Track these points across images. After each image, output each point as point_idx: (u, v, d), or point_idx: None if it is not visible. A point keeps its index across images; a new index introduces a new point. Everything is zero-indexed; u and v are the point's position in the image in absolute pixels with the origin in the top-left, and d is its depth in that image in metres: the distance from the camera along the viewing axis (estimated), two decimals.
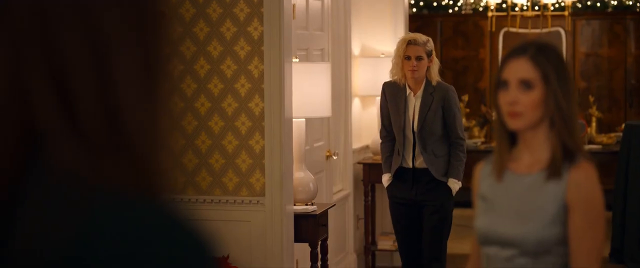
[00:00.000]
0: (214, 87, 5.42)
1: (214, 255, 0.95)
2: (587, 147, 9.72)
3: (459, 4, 11.84)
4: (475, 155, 7.93)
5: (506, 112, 2.81)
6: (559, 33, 11.45)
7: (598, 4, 11.54)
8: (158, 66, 0.99)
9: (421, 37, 6.03)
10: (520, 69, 2.80)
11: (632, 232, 7.75)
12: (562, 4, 11.31)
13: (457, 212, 6.27)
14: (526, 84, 2.79)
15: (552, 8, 11.17)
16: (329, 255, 5.98)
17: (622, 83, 11.46)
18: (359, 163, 7.78)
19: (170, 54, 1.01)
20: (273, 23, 5.32)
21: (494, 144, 2.98)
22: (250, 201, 5.42)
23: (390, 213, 6.26)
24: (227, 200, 5.44)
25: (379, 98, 6.36)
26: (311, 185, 5.69)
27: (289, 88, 5.42)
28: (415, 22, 11.15)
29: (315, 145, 6.96)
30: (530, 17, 11.15)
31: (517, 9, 11.25)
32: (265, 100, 5.36)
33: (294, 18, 5.93)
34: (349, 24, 7.50)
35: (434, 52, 6.05)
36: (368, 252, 7.86)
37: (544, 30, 11.12)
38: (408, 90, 6.02)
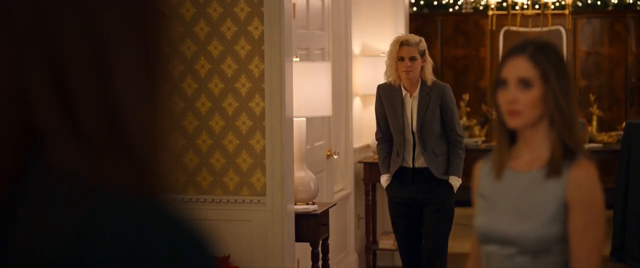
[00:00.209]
0: (214, 86, 5.42)
1: (214, 255, 0.95)
2: (588, 145, 9.71)
3: (459, 3, 11.83)
4: (476, 154, 7.90)
5: (505, 110, 2.81)
6: (559, 31, 11.45)
7: (598, 3, 11.53)
8: (158, 66, 0.99)
9: (414, 38, 6.02)
10: (519, 67, 2.80)
11: (632, 231, 7.75)
12: (563, 3, 11.30)
13: (457, 211, 6.26)
14: (525, 83, 2.79)
15: (552, 7, 11.16)
16: (330, 255, 5.98)
17: (623, 81, 11.46)
18: (359, 162, 7.77)
19: (170, 54, 1.01)
20: (273, 22, 5.32)
21: (494, 143, 2.98)
22: (251, 201, 5.42)
23: (389, 213, 6.26)
24: (227, 200, 5.44)
25: None
26: (312, 184, 5.69)
27: (289, 87, 5.42)
28: (416, 21, 11.15)
29: (316, 144, 6.95)
30: (530, 16, 11.13)
31: (517, 7, 11.24)
32: (265, 99, 5.36)
33: (294, 17, 5.93)
34: (350, 23, 7.50)
35: (427, 52, 6.04)
36: (369, 251, 7.85)
37: (545, 29, 11.11)
38: (404, 92, 6.01)
